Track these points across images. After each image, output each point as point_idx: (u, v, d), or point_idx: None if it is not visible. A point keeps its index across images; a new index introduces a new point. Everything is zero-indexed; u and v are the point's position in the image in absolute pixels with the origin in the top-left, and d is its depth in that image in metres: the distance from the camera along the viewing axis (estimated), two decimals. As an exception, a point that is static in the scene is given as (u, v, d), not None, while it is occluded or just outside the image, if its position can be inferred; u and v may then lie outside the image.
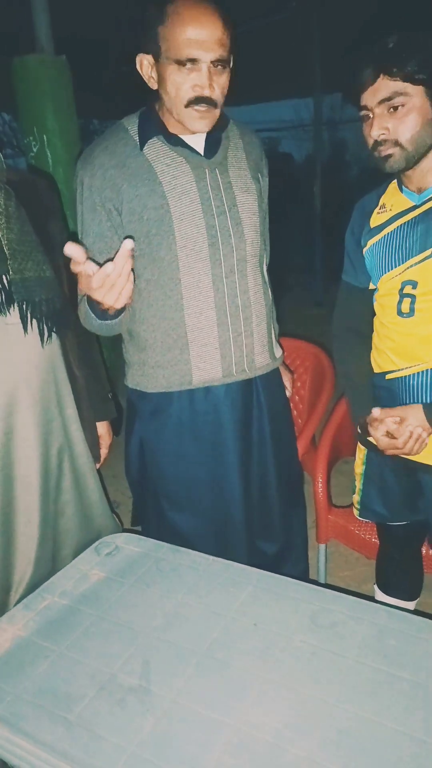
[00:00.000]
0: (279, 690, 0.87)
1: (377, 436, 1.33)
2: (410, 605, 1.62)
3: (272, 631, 0.98)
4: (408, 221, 1.26)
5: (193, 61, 1.18)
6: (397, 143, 1.17)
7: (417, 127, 1.16)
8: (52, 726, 0.83)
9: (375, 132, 1.17)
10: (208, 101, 1.22)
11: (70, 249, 1.03)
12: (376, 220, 1.34)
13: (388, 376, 1.35)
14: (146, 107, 1.35)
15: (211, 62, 1.19)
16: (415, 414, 1.27)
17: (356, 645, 0.95)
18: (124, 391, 1.55)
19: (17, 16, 3.03)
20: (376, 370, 1.39)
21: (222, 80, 1.23)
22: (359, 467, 1.51)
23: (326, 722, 0.82)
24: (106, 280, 1.06)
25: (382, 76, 1.14)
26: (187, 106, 1.23)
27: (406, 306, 1.26)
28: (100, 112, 7.20)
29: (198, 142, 1.33)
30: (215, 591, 1.08)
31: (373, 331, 1.40)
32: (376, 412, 1.30)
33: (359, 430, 1.42)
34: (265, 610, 1.03)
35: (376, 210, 1.34)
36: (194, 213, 1.32)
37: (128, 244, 1.03)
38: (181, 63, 1.19)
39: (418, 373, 1.28)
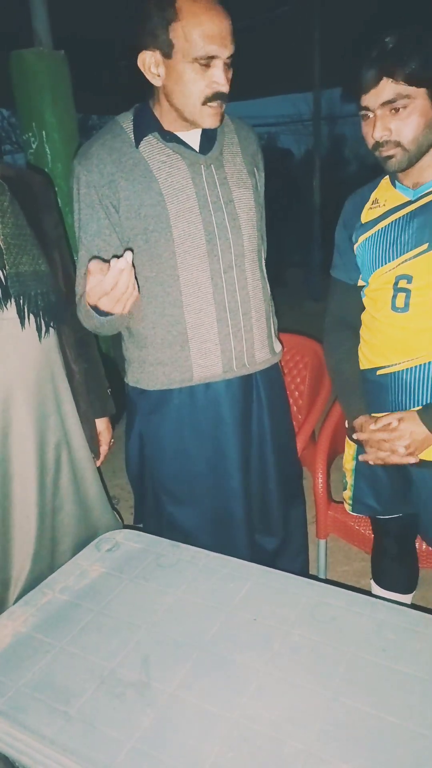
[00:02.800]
0: (278, 684, 0.88)
1: (367, 449, 1.34)
2: (406, 598, 1.63)
3: (271, 625, 0.99)
4: (403, 216, 1.26)
5: (213, 58, 1.19)
6: (398, 144, 1.16)
7: (419, 129, 1.15)
8: (52, 720, 0.84)
9: (377, 133, 1.16)
10: (223, 97, 1.24)
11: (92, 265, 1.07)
12: (368, 215, 1.33)
13: (379, 372, 1.34)
14: (140, 104, 1.34)
15: (226, 58, 1.21)
16: (410, 422, 1.27)
17: (355, 639, 0.95)
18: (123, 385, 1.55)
19: (16, 14, 3.01)
20: (366, 365, 1.38)
21: (230, 75, 1.25)
22: (349, 462, 1.51)
23: (325, 716, 0.82)
24: (111, 294, 1.08)
25: (384, 78, 1.12)
26: (204, 103, 1.24)
27: (400, 301, 1.26)
28: (99, 107, 7.19)
29: (193, 139, 1.33)
30: (215, 586, 1.09)
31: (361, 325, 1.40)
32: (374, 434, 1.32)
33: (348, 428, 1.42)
34: (265, 605, 1.03)
35: (368, 205, 1.34)
36: (191, 209, 1.31)
37: (128, 256, 1.04)
38: (200, 60, 1.19)
39: (413, 367, 1.28)
